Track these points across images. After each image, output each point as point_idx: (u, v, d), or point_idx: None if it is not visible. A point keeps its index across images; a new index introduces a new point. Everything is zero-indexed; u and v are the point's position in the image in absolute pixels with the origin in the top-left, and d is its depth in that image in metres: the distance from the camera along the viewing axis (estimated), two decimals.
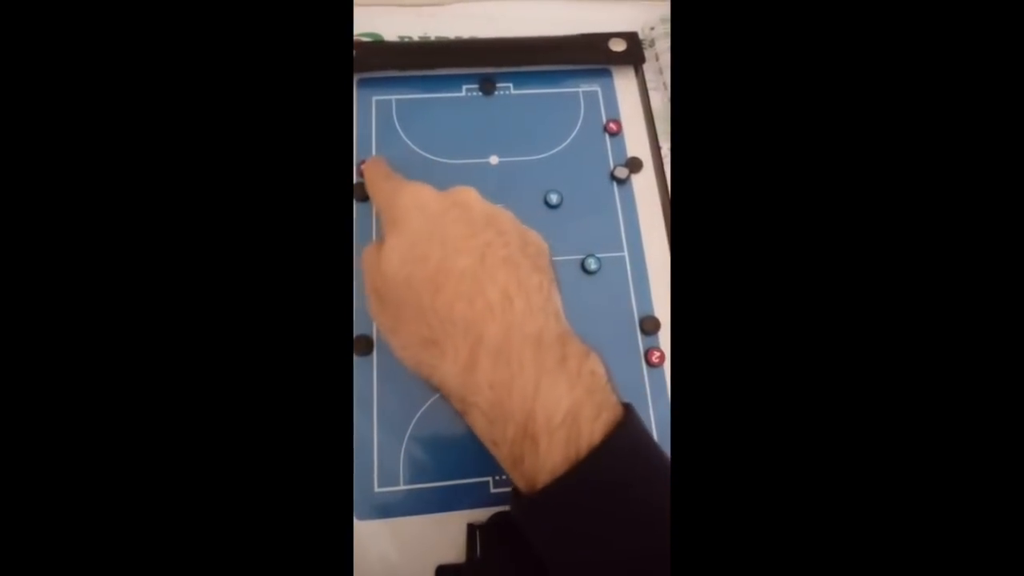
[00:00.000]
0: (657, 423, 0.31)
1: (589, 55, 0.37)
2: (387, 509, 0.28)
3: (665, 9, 0.40)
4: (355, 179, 0.34)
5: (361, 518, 0.28)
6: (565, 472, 0.21)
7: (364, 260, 0.27)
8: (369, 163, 0.32)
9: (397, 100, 0.36)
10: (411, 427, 0.30)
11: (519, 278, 0.24)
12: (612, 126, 0.36)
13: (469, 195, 0.27)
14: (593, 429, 0.22)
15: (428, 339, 0.24)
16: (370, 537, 0.28)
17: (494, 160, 0.35)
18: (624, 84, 0.38)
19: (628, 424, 0.23)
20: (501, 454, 0.23)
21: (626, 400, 0.24)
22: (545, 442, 0.22)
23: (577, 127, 0.36)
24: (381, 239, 0.27)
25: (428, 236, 0.25)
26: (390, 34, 0.38)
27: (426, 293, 0.24)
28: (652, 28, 0.39)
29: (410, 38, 0.38)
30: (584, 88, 0.37)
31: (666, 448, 0.30)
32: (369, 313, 0.27)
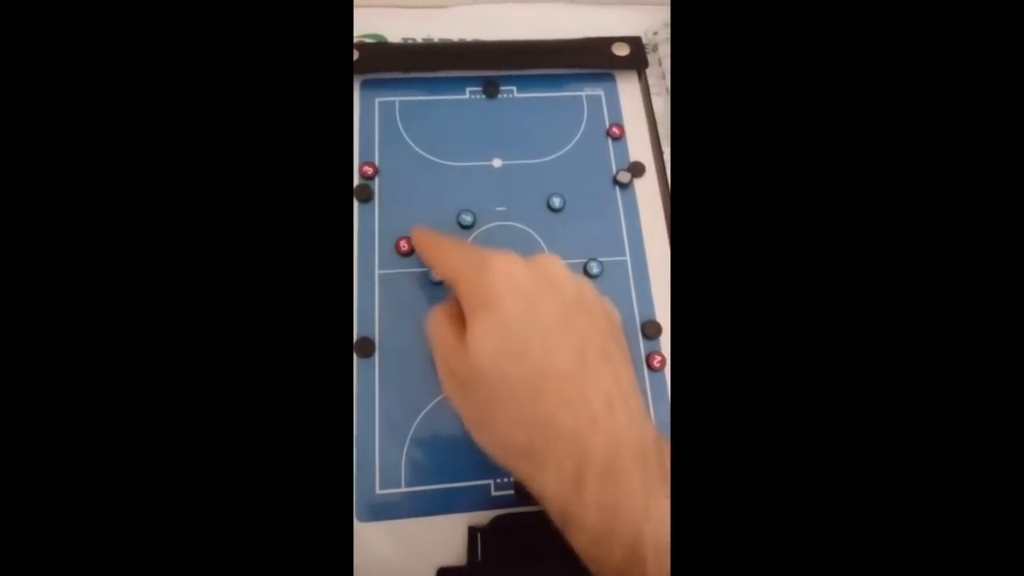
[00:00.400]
0: (658, 427, 0.30)
1: (592, 59, 0.37)
2: (388, 511, 0.28)
3: (668, 13, 0.40)
4: (356, 180, 0.34)
5: (362, 520, 0.28)
6: None
7: (434, 330, 0.26)
8: (418, 233, 0.29)
9: (400, 102, 0.36)
10: (413, 429, 0.30)
11: (618, 378, 0.23)
12: (615, 130, 0.36)
13: (556, 268, 0.25)
14: None
15: (527, 449, 0.23)
16: (371, 539, 0.28)
17: (497, 163, 0.35)
18: (627, 88, 0.38)
19: None
20: (603, 572, 0.22)
21: None
22: (653, 566, 0.20)
23: (580, 131, 0.36)
24: (450, 302, 0.26)
25: (524, 324, 0.23)
26: (393, 36, 0.38)
27: (525, 395, 0.22)
28: (655, 33, 0.39)
29: (413, 40, 0.38)
30: (587, 92, 0.38)
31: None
32: (444, 393, 0.25)
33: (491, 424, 0.24)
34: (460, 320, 0.25)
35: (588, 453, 0.22)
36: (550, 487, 0.22)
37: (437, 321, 0.26)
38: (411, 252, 0.32)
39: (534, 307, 0.23)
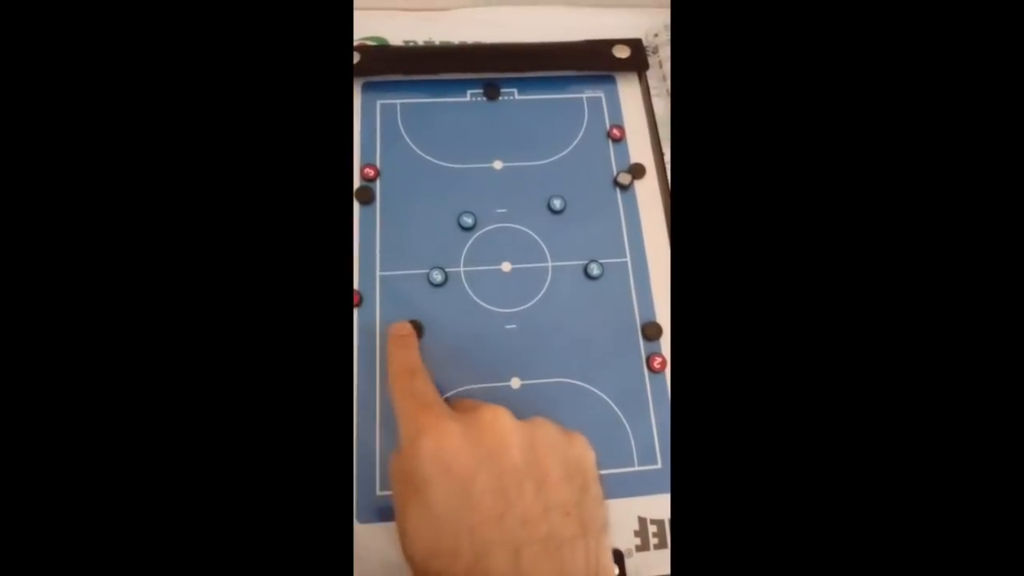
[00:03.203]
0: (659, 430, 0.31)
1: (593, 61, 0.37)
2: (389, 512, 0.28)
3: (669, 16, 0.40)
4: (358, 183, 0.34)
5: (362, 521, 0.28)
6: None
7: (392, 472, 0.24)
8: (394, 339, 0.27)
9: (402, 104, 0.36)
10: None
11: (562, 569, 0.21)
12: (616, 132, 0.36)
13: (500, 429, 0.23)
14: None
15: None
16: (371, 540, 0.28)
17: (498, 165, 0.35)
18: (628, 90, 0.38)
19: None
20: None
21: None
22: None
23: (581, 133, 0.36)
24: (400, 444, 0.24)
25: (455, 521, 0.21)
26: (395, 38, 0.38)
27: None
28: (656, 35, 0.39)
29: (415, 42, 0.38)
30: (588, 94, 0.38)
31: (667, 454, 0.30)
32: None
33: None
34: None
35: None
36: None
37: (393, 467, 0.24)
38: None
39: (468, 495, 0.21)
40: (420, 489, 0.22)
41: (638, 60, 0.37)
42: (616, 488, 0.29)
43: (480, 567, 0.21)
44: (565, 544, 0.22)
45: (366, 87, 0.36)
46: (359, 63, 0.35)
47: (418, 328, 0.31)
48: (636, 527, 0.29)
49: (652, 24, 0.40)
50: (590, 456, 0.25)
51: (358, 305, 0.31)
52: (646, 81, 0.38)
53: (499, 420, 0.23)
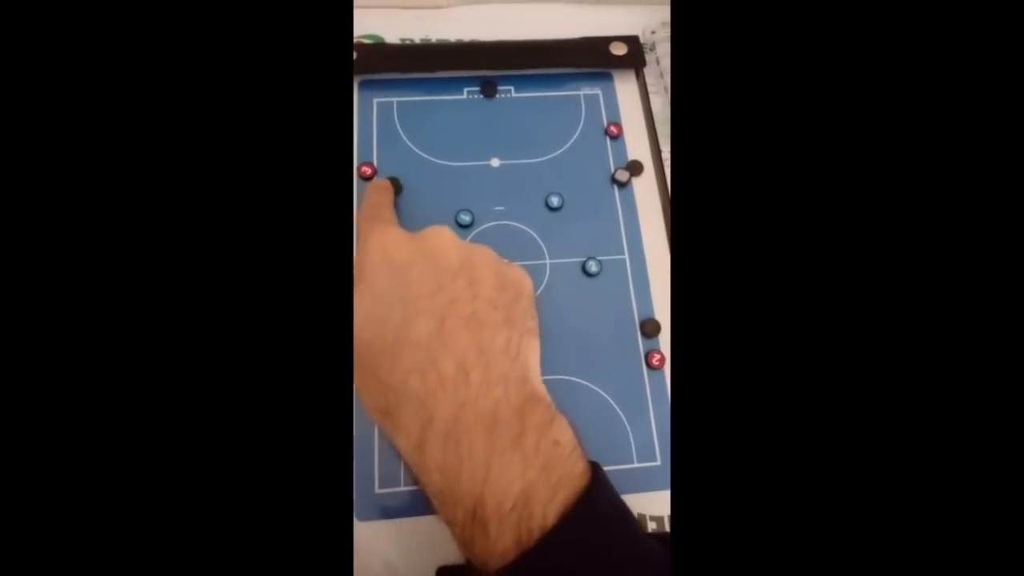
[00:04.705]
0: (657, 427, 0.31)
1: (590, 59, 0.37)
2: (388, 510, 0.28)
3: (666, 13, 0.40)
4: (356, 180, 0.34)
5: (362, 519, 0.28)
6: (515, 559, 0.20)
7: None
8: (372, 186, 0.32)
9: (398, 102, 0.36)
10: None
11: (481, 342, 0.23)
12: (613, 129, 0.36)
13: (441, 239, 0.26)
14: (547, 512, 0.21)
15: (385, 410, 0.24)
16: (371, 538, 0.28)
17: (495, 163, 0.35)
18: (625, 87, 0.38)
19: (589, 499, 0.22)
20: (454, 534, 0.23)
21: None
22: (495, 528, 0.21)
23: (578, 130, 0.36)
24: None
25: (390, 295, 0.24)
26: (391, 36, 0.38)
27: (384, 362, 0.23)
28: (653, 32, 0.39)
29: (411, 40, 0.38)
30: (585, 91, 0.38)
31: (666, 450, 0.30)
32: None
33: (363, 389, 0.25)
34: None
35: (432, 416, 0.22)
36: (402, 448, 0.23)
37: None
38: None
39: (402, 278, 0.24)
40: (365, 277, 0.25)
41: (635, 57, 0.37)
42: (616, 485, 0.29)
43: (406, 330, 0.23)
44: (487, 325, 0.24)
45: (363, 85, 0.36)
46: (355, 61, 0.35)
47: (396, 185, 0.33)
48: None
49: (649, 21, 0.40)
50: (527, 281, 0.27)
51: None
52: (643, 78, 0.38)
53: (442, 233, 0.26)
